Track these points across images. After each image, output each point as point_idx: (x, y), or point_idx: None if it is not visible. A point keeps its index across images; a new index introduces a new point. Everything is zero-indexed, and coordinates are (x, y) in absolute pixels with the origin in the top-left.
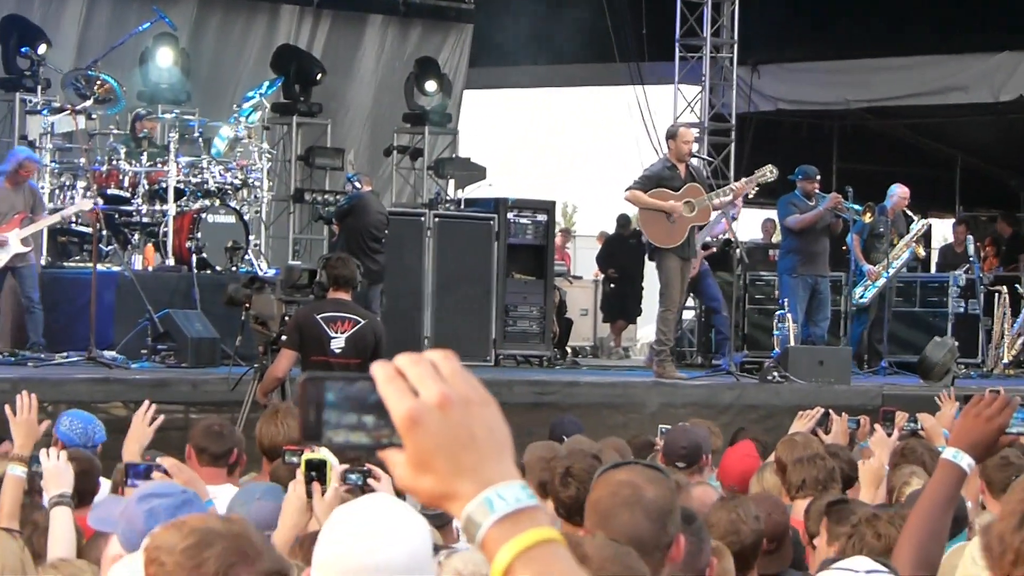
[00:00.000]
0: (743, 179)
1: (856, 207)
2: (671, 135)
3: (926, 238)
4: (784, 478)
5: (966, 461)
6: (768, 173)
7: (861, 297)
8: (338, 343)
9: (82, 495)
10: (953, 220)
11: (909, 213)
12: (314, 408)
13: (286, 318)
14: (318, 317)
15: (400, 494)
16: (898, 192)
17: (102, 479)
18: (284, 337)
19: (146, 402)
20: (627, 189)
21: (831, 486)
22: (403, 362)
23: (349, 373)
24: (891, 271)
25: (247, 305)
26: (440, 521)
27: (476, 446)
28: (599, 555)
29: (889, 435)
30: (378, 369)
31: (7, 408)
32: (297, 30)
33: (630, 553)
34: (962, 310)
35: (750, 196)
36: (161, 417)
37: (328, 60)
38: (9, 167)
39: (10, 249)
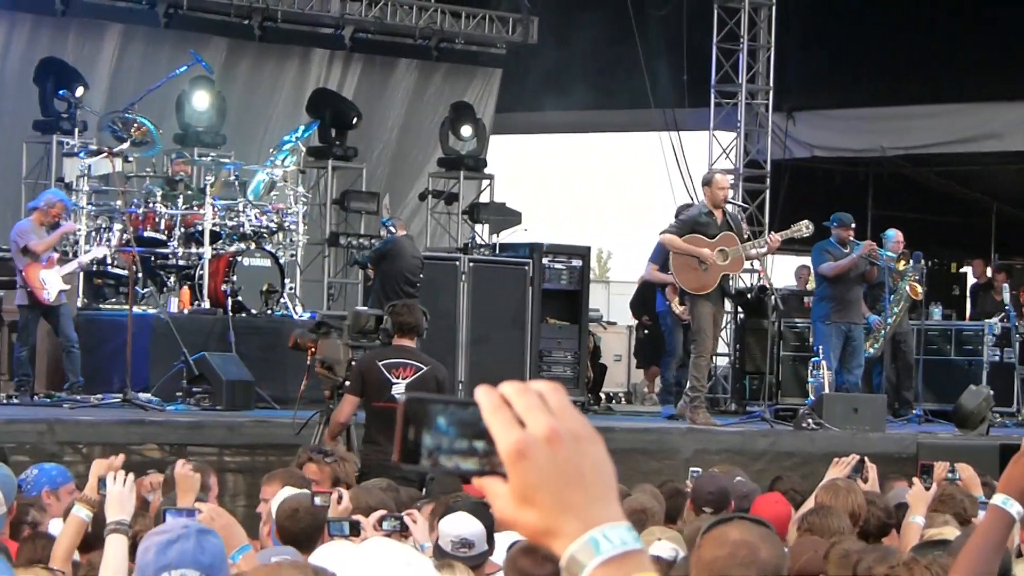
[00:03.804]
0: (779, 232)
1: (891, 255)
2: (707, 182)
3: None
4: (825, 523)
5: (1015, 508)
6: (804, 228)
7: (872, 347)
8: (399, 389)
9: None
10: (990, 268)
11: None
12: (413, 430)
13: (352, 363)
14: (380, 363)
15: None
16: (894, 237)
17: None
18: (347, 383)
19: (180, 461)
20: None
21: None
22: (509, 391)
23: (458, 397)
24: (890, 320)
25: (312, 349)
26: (475, 562)
27: (584, 484)
28: None
29: (927, 488)
30: (483, 395)
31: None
32: (327, 73)
33: None
34: (997, 358)
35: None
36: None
37: (358, 103)
38: (41, 205)
39: (57, 286)
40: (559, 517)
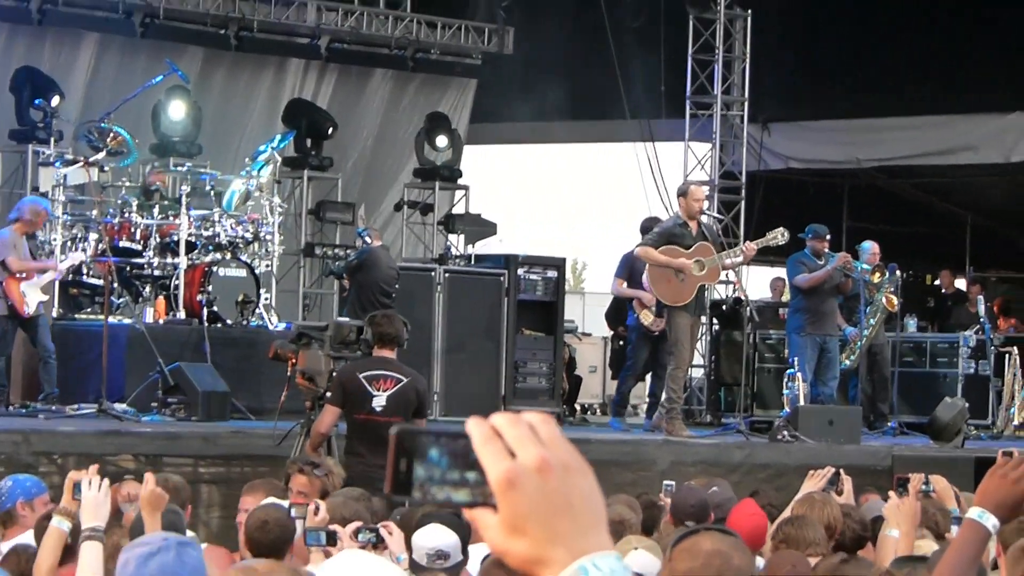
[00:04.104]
0: (754, 242)
1: (866, 267)
2: (682, 193)
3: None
4: (800, 534)
5: (991, 521)
6: (779, 236)
7: (848, 359)
8: (379, 401)
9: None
10: (964, 281)
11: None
12: (405, 462)
13: (334, 374)
14: (360, 375)
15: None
16: (870, 249)
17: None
18: (328, 394)
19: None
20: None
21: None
22: (500, 422)
23: (448, 428)
24: (866, 332)
25: (293, 360)
26: (451, 573)
27: (573, 514)
28: None
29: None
30: (474, 427)
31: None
32: (303, 83)
33: None
34: (972, 371)
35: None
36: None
37: (333, 113)
38: (25, 215)
39: (36, 297)
40: (548, 546)
